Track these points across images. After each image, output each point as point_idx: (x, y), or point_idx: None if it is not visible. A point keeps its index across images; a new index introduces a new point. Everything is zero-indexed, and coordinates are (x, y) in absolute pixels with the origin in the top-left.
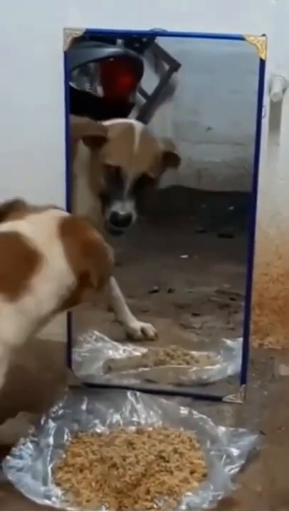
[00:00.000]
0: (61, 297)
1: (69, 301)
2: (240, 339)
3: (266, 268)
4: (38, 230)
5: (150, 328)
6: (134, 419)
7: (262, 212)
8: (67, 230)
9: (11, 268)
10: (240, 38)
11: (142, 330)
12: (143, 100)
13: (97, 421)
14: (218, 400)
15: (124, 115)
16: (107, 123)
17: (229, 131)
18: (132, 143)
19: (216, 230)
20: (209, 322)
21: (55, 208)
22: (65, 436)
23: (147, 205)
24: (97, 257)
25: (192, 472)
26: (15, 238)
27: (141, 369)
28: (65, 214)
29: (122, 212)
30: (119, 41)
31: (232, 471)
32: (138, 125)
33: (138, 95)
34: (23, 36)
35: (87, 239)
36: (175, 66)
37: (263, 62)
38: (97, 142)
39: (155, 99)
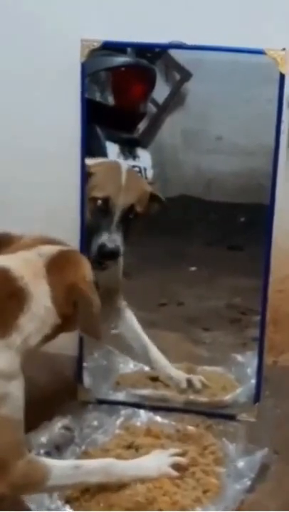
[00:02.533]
0: (46, 334)
1: (56, 334)
2: (252, 354)
3: (281, 284)
4: (27, 268)
5: (198, 379)
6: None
7: (276, 228)
8: (54, 269)
9: (1, 305)
10: (261, 52)
11: (188, 381)
12: (153, 109)
13: (107, 438)
14: (231, 418)
15: (135, 124)
16: (90, 162)
17: (240, 141)
18: (119, 176)
19: (225, 242)
20: (220, 337)
21: (47, 241)
22: (76, 452)
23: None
24: (81, 305)
25: (205, 492)
26: (4, 274)
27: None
28: (55, 249)
29: (110, 245)
30: (131, 50)
31: (242, 486)
32: (124, 163)
33: (149, 104)
34: (40, 47)
35: (72, 283)
36: (186, 76)
37: (282, 77)
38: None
39: (166, 109)
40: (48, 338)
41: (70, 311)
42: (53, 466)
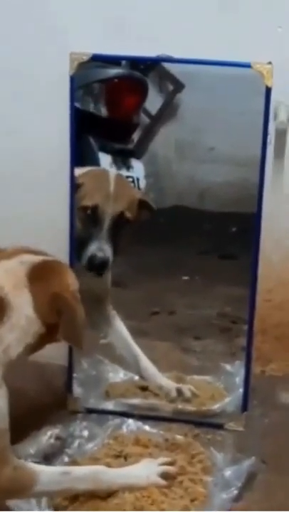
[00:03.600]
0: (29, 344)
1: (39, 345)
2: (240, 364)
3: (269, 294)
4: (6, 277)
5: (188, 389)
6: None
7: (265, 238)
8: (37, 278)
9: None
10: (247, 66)
11: (178, 390)
12: (146, 120)
13: (96, 447)
14: (219, 427)
15: (129, 135)
16: (78, 171)
17: (232, 152)
18: (107, 183)
19: (218, 251)
20: (210, 346)
21: (30, 251)
22: (65, 461)
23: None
24: (66, 316)
25: (192, 500)
26: None
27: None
28: (37, 259)
29: (100, 255)
30: (124, 62)
31: (229, 495)
32: (112, 170)
33: (142, 115)
34: (30, 59)
35: (55, 292)
36: (179, 87)
37: (268, 90)
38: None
39: (159, 119)
40: (32, 348)
41: (54, 320)
42: (40, 471)
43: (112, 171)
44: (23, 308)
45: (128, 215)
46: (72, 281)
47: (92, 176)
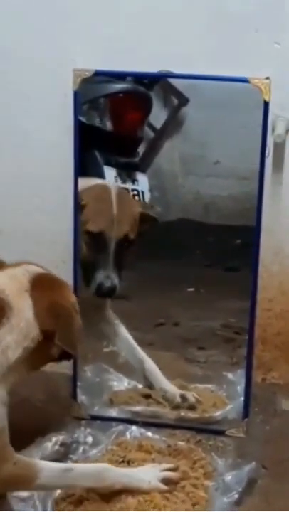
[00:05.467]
0: (27, 348)
1: (38, 355)
2: (242, 372)
3: (269, 304)
4: (10, 282)
5: (191, 395)
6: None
7: (265, 249)
8: (39, 285)
9: None
10: (245, 81)
11: (182, 396)
12: (151, 134)
13: (100, 453)
14: (220, 433)
15: (134, 149)
16: (80, 185)
17: (236, 165)
18: (110, 205)
19: (222, 263)
20: (214, 356)
21: (34, 264)
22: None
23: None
24: (63, 321)
25: (194, 505)
26: None
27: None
28: (42, 270)
29: (107, 284)
30: (129, 77)
31: (230, 499)
32: (113, 186)
33: (146, 129)
34: (34, 75)
35: (55, 300)
36: (184, 101)
37: (266, 104)
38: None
39: (163, 133)
40: (31, 357)
41: (52, 326)
42: (42, 467)
43: (114, 186)
44: (24, 311)
45: (132, 236)
46: (71, 294)
47: (94, 197)
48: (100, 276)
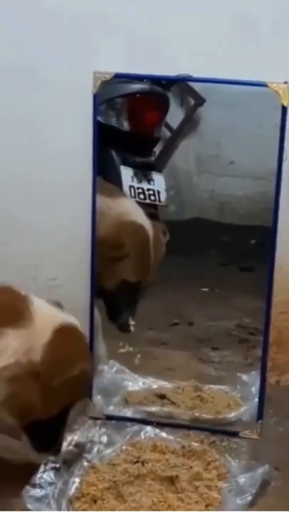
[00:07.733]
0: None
1: None
2: (256, 374)
3: (285, 306)
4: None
5: None
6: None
7: (282, 251)
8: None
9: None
10: (263, 85)
11: None
12: (168, 133)
13: (114, 453)
14: (234, 435)
15: (150, 149)
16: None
17: (252, 165)
18: (149, 256)
19: (237, 263)
20: (228, 356)
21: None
22: (84, 466)
23: None
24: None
25: (207, 506)
26: None
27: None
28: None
29: (132, 326)
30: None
31: (243, 501)
32: (149, 226)
33: (163, 129)
34: (56, 76)
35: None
36: (200, 101)
37: (285, 109)
38: (116, 259)
39: (180, 133)
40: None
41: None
42: None
43: (147, 224)
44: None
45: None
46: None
47: (135, 244)
48: (125, 317)
